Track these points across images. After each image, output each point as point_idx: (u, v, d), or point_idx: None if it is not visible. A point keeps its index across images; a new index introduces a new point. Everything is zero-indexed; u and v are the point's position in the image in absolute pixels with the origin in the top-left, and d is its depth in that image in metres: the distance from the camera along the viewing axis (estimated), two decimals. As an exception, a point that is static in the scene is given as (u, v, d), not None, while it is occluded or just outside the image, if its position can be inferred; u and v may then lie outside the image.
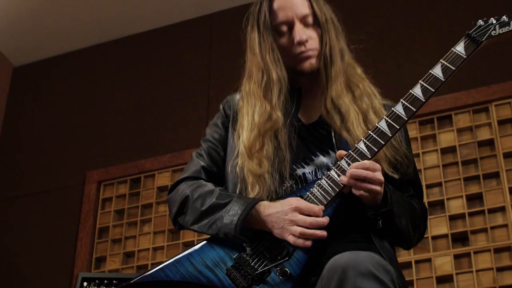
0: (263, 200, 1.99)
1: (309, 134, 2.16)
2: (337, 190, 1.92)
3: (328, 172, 1.96)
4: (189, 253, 2.03)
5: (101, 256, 5.01)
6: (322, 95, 2.19)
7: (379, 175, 1.89)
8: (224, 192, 2.09)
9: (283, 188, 2.07)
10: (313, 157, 2.10)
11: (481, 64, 4.49)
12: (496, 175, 4.26)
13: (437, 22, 4.81)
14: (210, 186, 2.14)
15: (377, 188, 1.88)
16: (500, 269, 3.99)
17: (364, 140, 1.95)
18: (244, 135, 2.13)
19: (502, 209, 4.14)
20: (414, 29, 4.85)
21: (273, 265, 1.88)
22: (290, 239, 1.86)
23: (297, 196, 1.96)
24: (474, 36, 2.06)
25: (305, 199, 1.94)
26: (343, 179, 1.90)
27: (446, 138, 4.48)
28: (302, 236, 1.85)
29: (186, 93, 5.38)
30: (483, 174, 4.28)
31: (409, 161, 2.15)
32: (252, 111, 2.15)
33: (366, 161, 1.90)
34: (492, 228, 4.11)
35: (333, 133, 2.12)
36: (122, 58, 5.78)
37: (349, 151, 1.96)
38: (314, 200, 1.93)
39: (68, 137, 5.60)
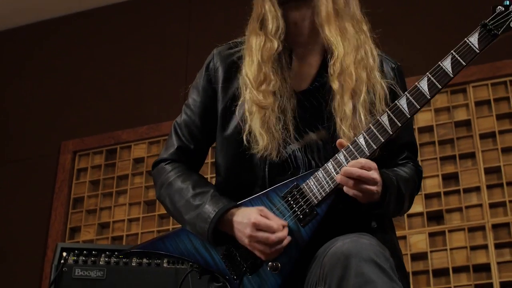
0: (233, 207, 1.95)
1: (300, 105, 2.04)
2: (333, 186, 1.88)
3: (326, 165, 1.91)
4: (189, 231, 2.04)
5: (76, 226, 4.99)
6: (317, 58, 2.10)
7: (374, 174, 1.82)
8: (198, 189, 2.04)
9: (275, 163, 1.99)
10: (303, 134, 2.01)
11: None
12: (472, 156, 4.32)
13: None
14: (187, 177, 2.10)
15: (372, 188, 1.82)
16: (473, 248, 4.07)
17: (364, 134, 1.88)
18: (247, 69, 2.05)
19: (477, 189, 4.21)
20: (401, 7, 4.86)
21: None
22: (261, 256, 1.87)
23: (293, 185, 1.93)
24: (491, 28, 1.90)
25: (301, 189, 1.92)
26: (337, 177, 1.85)
27: (424, 117, 4.52)
28: (266, 252, 1.85)
29: (164, 65, 5.35)
30: (459, 154, 4.34)
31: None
32: (251, 46, 2.07)
33: (361, 160, 1.84)
34: (467, 207, 4.18)
35: (324, 104, 2.02)
36: (100, 29, 5.71)
37: (348, 144, 1.89)
38: (310, 193, 1.90)
39: (44, 106, 5.54)
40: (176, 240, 2.02)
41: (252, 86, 2.01)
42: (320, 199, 1.89)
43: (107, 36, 5.65)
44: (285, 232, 1.85)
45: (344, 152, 1.89)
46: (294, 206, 1.91)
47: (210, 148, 2.28)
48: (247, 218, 1.88)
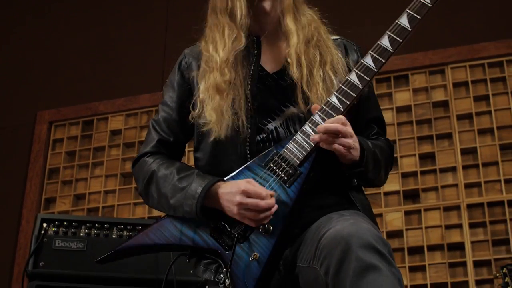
0: (219, 180, 1.99)
1: (276, 84, 2.14)
2: (313, 145, 1.95)
3: (303, 127, 1.98)
4: (173, 217, 2.04)
5: (51, 197, 4.97)
6: (282, 43, 2.21)
7: (350, 129, 1.92)
8: (183, 173, 2.07)
9: (255, 141, 2.08)
10: (282, 108, 2.11)
11: (440, 27, 4.58)
12: (448, 136, 4.38)
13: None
14: (170, 164, 2.13)
15: (349, 141, 1.90)
16: (448, 227, 4.14)
17: (336, 93, 1.97)
18: (219, 50, 2.12)
19: (453, 169, 4.28)
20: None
21: None
22: (251, 224, 1.90)
23: (273, 153, 1.98)
24: None
25: (281, 155, 1.97)
26: (315, 137, 1.92)
27: (402, 97, 4.57)
28: (255, 219, 1.88)
29: (143, 37, 5.31)
30: (436, 134, 4.39)
31: (370, 97, 2.21)
32: (222, 31, 2.14)
33: (336, 117, 1.92)
34: (443, 187, 4.24)
35: (296, 83, 2.11)
36: (78, -3, 5.65)
37: (322, 105, 1.98)
38: (291, 155, 1.95)
39: (20, 75, 5.47)
40: (159, 229, 2.02)
41: (217, 67, 2.09)
42: (301, 158, 1.95)
43: (86, 5, 5.59)
44: (273, 200, 1.89)
45: (319, 113, 1.97)
46: (277, 170, 1.95)
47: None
48: (236, 187, 1.92)
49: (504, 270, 3.25)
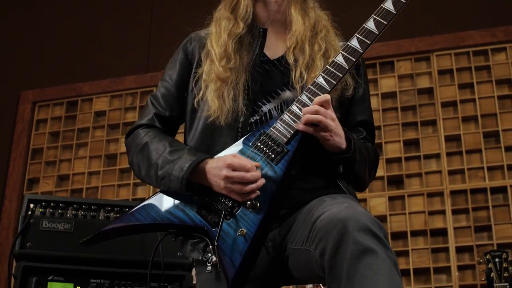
0: (208, 157, 2.00)
1: (275, 68, 2.19)
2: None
3: (290, 107, 2.00)
4: (159, 196, 2.04)
5: (34, 178, 4.95)
6: (287, 33, 2.23)
7: (331, 112, 1.94)
8: (175, 147, 2.09)
9: (248, 123, 2.10)
10: (279, 91, 2.14)
11: (426, 15, 4.61)
12: (433, 123, 4.42)
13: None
14: (163, 138, 2.15)
15: (329, 122, 1.92)
16: (431, 213, 4.20)
17: (322, 74, 2.00)
18: (214, 43, 2.17)
19: (437, 155, 4.32)
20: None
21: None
22: (238, 198, 1.90)
23: (261, 133, 2.00)
24: None
25: (269, 134, 1.99)
26: (299, 126, 1.95)
27: (387, 83, 4.60)
28: (242, 192, 1.89)
29: (128, 18, 5.29)
30: (421, 121, 4.43)
31: (364, 100, 2.24)
32: (219, 25, 2.19)
33: (322, 96, 1.95)
34: (426, 173, 4.29)
35: (294, 68, 2.14)
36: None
37: (309, 85, 2.01)
38: (278, 134, 1.97)
39: (4, 55, 5.42)
40: (146, 209, 2.00)
41: (216, 59, 2.12)
42: (288, 136, 1.96)
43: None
44: (259, 172, 1.90)
45: (305, 92, 2.00)
46: (264, 149, 1.96)
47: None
48: (222, 161, 1.93)
49: (488, 257, 3.31)
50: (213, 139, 2.10)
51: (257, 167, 1.90)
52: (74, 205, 3.19)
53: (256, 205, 1.87)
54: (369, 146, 2.20)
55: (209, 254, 1.84)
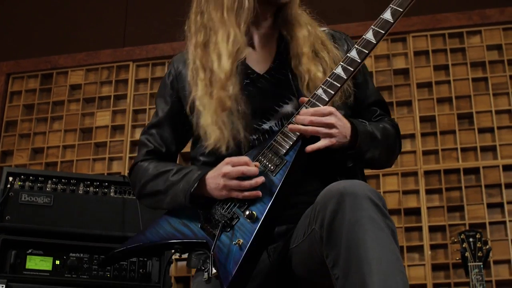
0: (210, 169, 2.02)
1: (268, 83, 2.17)
2: (298, 134, 1.98)
3: (291, 120, 2.01)
4: (168, 215, 2.08)
5: (8, 150, 4.91)
6: (273, 42, 2.22)
7: (328, 119, 1.94)
8: (180, 168, 2.11)
9: (249, 142, 2.10)
10: (276, 108, 2.13)
11: (404, -5, 4.62)
12: (408, 103, 4.47)
13: None
14: (166, 164, 2.17)
15: (330, 131, 1.93)
16: (405, 192, 4.26)
17: (322, 86, 2.01)
18: (222, 62, 2.08)
19: (412, 136, 4.39)
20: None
21: (239, 210, 1.94)
22: (236, 195, 1.93)
23: (263, 147, 2.01)
24: None
25: (270, 147, 2.00)
26: (290, 126, 1.96)
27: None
28: (241, 188, 1.91)
29: (105, -8, 5.24)
30: (396, 101, 4.49)
31: (366, 84, 2.25)
32: (227, 38, 2.10)
33: (311, 109, 1.96)
34: (401, 153, 4.30)
35: (290, 76, 2.15)
36: None
37: (309, 97, 2.02)
38: (278, 146, 1.99)
39: (-23, 24, 5.35)
40: (155, 228, 2.05)
41: (221, 85, 2.07)
42: (287, 147, 1.98)
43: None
44: (256, 169, 1.92)
45: (306, 105, 2.01)
46: (266, 162, 1.98)
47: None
48: (221, 163, 1.97)
49: (462, 236, 3.38)
50: (217, 161, 2.07)
51: (256, 166, 1.92)
52: (54, 179, 3.19)
53: (253, 215, 1.90)
54: (386, 123, 2.19)
55: (208, 264, 1.86)
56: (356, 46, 2.03)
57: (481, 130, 4.33)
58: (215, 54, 2.11)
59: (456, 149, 4.29)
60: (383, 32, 2.05)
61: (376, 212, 1.65)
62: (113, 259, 2.13)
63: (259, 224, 1.88)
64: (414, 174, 4.28)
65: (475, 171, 4.25)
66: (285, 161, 1.96)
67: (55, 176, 3.21)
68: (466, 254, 3.34)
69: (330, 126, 1.94)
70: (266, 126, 2.13)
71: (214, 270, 1.84)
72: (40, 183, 3.17)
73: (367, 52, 2.02)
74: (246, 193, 1.91)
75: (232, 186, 1.92)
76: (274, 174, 1.95)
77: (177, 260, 4.39)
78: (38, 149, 4.89)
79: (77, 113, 4.92)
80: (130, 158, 4.62)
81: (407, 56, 4.59)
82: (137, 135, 4.67)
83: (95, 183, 3.23)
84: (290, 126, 1.97)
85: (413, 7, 4.56)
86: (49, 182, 3.19)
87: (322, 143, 1.94)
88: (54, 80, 5.06)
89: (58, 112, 4.98)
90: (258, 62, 2.21)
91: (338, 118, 1.96)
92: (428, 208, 4.18)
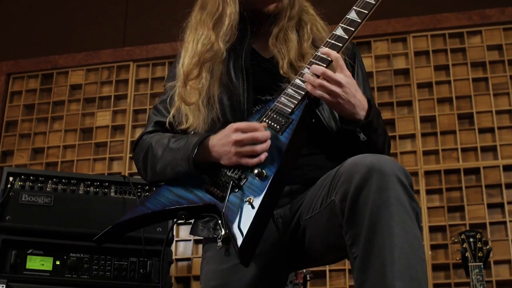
0: (210, 135, 2.00)
1: (271, 65, 2.19)
2: (303, 93, 1.97)
3: (293, 81, 2.01)
4: (169, 184, 2.04)
5: (8, 150, 4.91)
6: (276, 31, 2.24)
7: (338, 76, 1.91)
8: (177, 137, 2.11)
9: (251, 111, 2.11)
10: (280, 84, 2.13)
11: (404, -5, 4.65)
12: (408, 104, 4.47)
13: None
14: (166, 135, 2.16)
15: (335, 88, 1.90)
16: (406, 192, 4.24)
17: (322, 47, 2.01)
18: (185, 60, 2.15)
19: (412, 136, 4.38)
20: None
21: (247, 169, 1.90)
22: (248, 162, 1.89)
23: (266, 108, 2.01)
24: None
25: (273, 108, 1.98)
26: (307, 87, 1.94)
27: (364, 63, 4.58)
28: (253, 154, 1.88)
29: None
30: (397, 102, 4.48)
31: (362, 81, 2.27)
32: (198, 39, 2.16)
33: (324, 50, 1.98)
34: (402, 153, 4.35)
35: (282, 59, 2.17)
36: None
37: (310, 59, 2.02)
38: (282, 106, 1.97)
39: (-23, 24, 5.35)
40: (156, 197, 2.00)
41: (183, 82, 2.12)
42: (292, 107, 1.97)
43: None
44: (268, 132, 1.90)
45: (307, 66, 2.01)
46: (270, 122, 1.96)
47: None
48: (228, 129, 1.94)
49: (462, 237, 3.38)
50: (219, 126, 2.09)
51: (264, 127, 1.91)
52: (54, 179, 3.19)
53: (263, 174, 1.87)
54: None
55: (219, 231, 1.82)
56: (355, 7, 2.06)
57: (482, 130, 4.33)
58: (185, 51, 2.18)
59: (457, 149, 4.29)
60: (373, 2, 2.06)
61: (403, 193, 1.60)
62: (111, 233, 2.00)
63: (269, 181, 1.85)
64: (415, 174, 4.27)
65: (475, 171, 4.24)
66: (291, 120, 1.95)
67: (55, 176, 3.21)
68: (466, 254, 3.34)
69: (341, 85, 1.92)
70: (269, 97, 2.12)
71: (223, 232, 1.79)
72: (41, 183, 3.17)
73: (367, 12, 2.05)
74: (256, 159, 1.88)
75: (244, 153, 1.89)
76: (281, 133, 1.93)
77: (177, 260, 4.39)
78: (39, 149, 4.89)
79: (77, 113, 4.92)
80: (131, 158, 4.61)
81: (407, 56, 4.59)
82: (138, 135, 4.66)
83: (95, 183, 3.23)
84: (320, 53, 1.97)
85: (413, 7, 4.61)
86: (49, 182, 3.20)
87: (328, 97, 1.93)
88: (54, 80, 5.06)
89: (59, 112, 4.97)
90: (263, 49, 2.24)
91: (351, 84, 1.94)
92: (428, 208, 4.18)
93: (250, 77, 2.15)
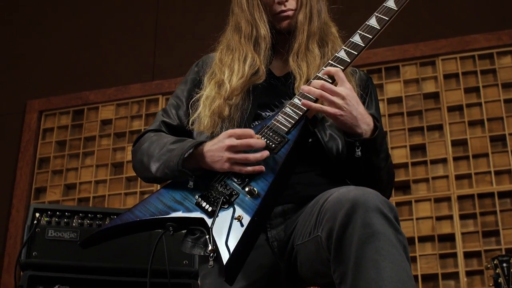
0: (206, 141, 2.00)
1: (279, 82, 2.20)
2: (301, 113, 1.96)
3: (292, 100, 2.00)
4: (158, 192, 2.01)
5: (41, 187, 4.96)
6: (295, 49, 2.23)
7: (339, 89, 1.91)
8: (176, 139, 2.10)
9: (249, 125, 2.10)
10: (282, 100, 2.13)
11: (431, 18, 4.60)
12: (439, 128, 4.40)
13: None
14: (167, 136, 2.17)
15: (336, 99, 1.89)
16: (439, 218, 4.18)
17: (324, 68, 2.01)
18: (233, 78, 2.15)
19: (444, 160, 4.30)
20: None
21: (239, 186, 1.89)
22: (238, 169, 1.88)
23: (262, 126, 2.00)
24: None
25: (270, 126, 1.97)
26: (304, 88, 1.95)
27: (393, 88, 4.58)
28: (247, 162, 1.88)
29: (134, 25, 5.29)
30: (427, 126, 4.42)
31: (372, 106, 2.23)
32: (244, 59, 2.18)
33: (326, 69, 1.99)
34: (433, 178, 4.27)
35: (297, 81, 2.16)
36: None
37: (311, 79, 2.02)
38: (279, 125, 1.96)
39: (10, 63, 5.43)
40: (145, 205, 1.97)
41: (224, 96, 2.13)
42: (289, 126, 1.95)
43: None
44: (263, 141, 1.90)
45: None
46: (265, 140, 1.94)
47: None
48: (222, 135, 1.93)
49: (495, 262, 3.28)
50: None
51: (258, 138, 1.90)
52: (80, 214, 3.19)
53: (254, 192, 1.85)
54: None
55: (210, 247, 1.78)
56: (359, 31, 2.05)
57: (515, 152, 4.24)
58: (229, 69, 2.19)
59: (490, 172, 4.20)
60: (386, 19, 2.05)
61: (387, 227, 1.59)
62: (97, 239, 1.97)
63: (260, 200, 1.83)
64: (447, 199, 4.19)
65: (510, 194, 4.15)
66: (287, 139, 1.93)
67: (82, 211, 3.22)
68: (499, 280, 3.24)
69: (341, 96, 1.91)
70: (266, 115, 2.13)
71: (210, 247, 1.76)
72: (67, 219, 3.17)
73: (370, 37, 2.03)
74: (249, 168, 1.87)
75: (237, 160, 1.88)
76: (275, 151, 1.91)
77: None
78: (71, 185, 4.93)
79: (108, 148, 4.95)
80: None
81: (436, 79, 4.53)
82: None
83: (121, 217, 3.22)
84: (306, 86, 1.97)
85: (441, 30, 4.56)
86: (76, 217, 3.20)
87: (329, 109, 1.91)
88: (85, 116, 5.11)
89: (90, 148, 5.02)
90: (278, 66, 2.26)
91: (351, 96, 1.93)
92: (462, 233, 4.09)
93: (255, 92, 2.16)
